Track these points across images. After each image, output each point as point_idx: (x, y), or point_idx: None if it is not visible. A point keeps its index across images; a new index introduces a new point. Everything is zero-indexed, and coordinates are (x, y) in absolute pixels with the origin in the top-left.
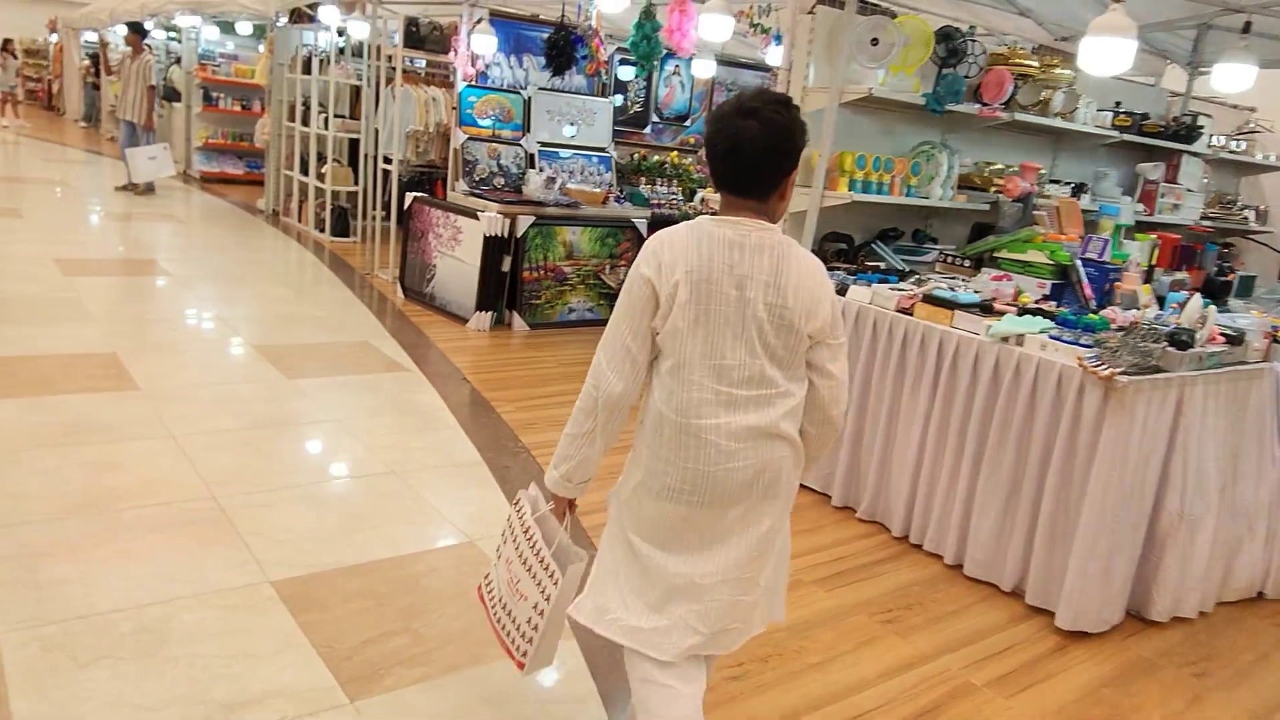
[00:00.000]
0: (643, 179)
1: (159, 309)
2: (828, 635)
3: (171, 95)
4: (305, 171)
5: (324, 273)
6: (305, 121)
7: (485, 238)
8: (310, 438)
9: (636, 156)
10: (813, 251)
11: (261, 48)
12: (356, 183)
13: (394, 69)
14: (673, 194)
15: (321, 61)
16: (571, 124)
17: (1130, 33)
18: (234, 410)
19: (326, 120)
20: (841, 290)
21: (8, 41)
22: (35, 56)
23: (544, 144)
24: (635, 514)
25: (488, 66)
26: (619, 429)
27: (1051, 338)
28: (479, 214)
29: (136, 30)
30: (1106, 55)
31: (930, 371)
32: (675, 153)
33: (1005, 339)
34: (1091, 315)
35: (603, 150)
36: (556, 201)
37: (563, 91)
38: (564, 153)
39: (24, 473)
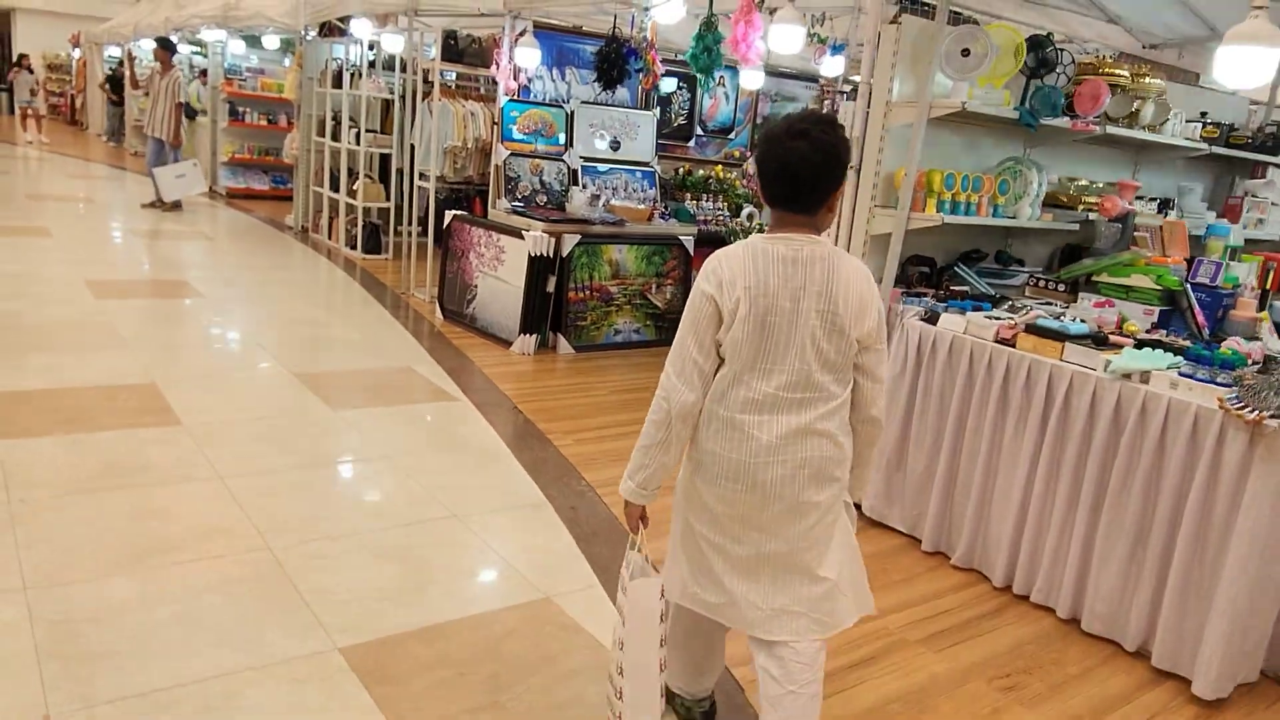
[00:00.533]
0: (688, 194)
1: (194, 333)
2: (947, 707)
3: (188, 113)
4: (335, 187)
5: (359, 292)
6: (335, 136)
7: (530, 257)
8: (363, 477)
9: (681, 171)
10: (896, 276)
11: (288, 61)
12: (388, 199)
13: (430, 83)
14: (719, 209)
15: (352, 75)
16: (614, 138)
17: (1275, 41)
18: (281, 447)
19: (358, 135)
20: (932, 319)
21: (23, 56)
22: (58, 71)
23: (586, 159)
24: (691, 501)
25: (530, 80)
26: (689, 435)
27: (1181, 374)
28: (524, 233)
29: (165, 46)
30: (1246, 66)
31: (1037, 409)
32: (720, 167)
33: (1127, 375)
34: (1224, 350)
35: (646, 165)
36: (602, 219)
37: (606, 105)
38: (606, 168)
39: (65, 522)
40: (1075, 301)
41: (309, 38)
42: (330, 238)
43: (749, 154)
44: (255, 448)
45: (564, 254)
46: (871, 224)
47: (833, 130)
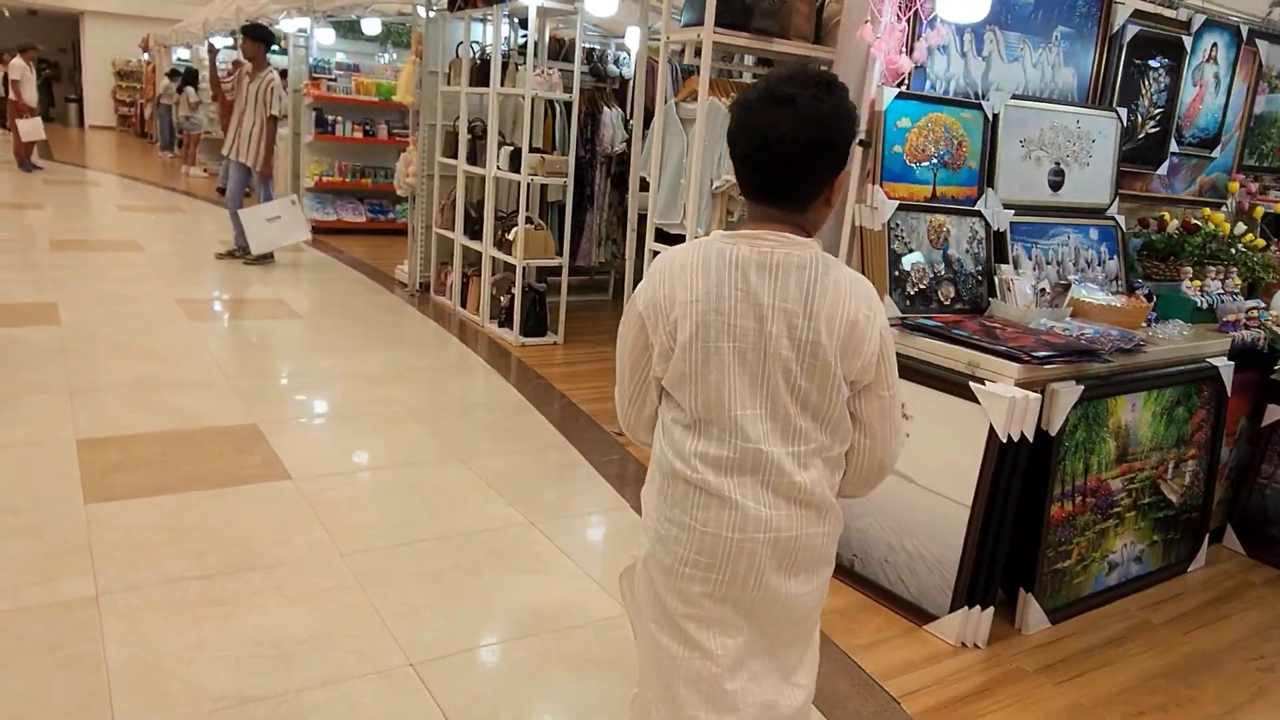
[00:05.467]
0: (1182, 265)
1: (255, 637)
2: None
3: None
4: (473, 233)
5: (544, 432)
6: (473, 158)
7: (995, 441)
8: None
9: (1175, 227)
10: None
11: (387, 58)
12: (559, 252)
13: (693, 69)
14: (1230, 293)
15: (505, 65)
16: (1057, 163)
17: None
18: None
19: (514, 156)
20: None
21: (192, 72)
22: (128, 79)
23: (1019, 209)
24: (648, 595)
25: (927, 54)
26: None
27: None
28: (978, 385)
29: (257, 37)
30: None
31: None
32: (1209, 209)
33: None
34: None
35: (1101, 213)
36: (1115, 346)
37: (1044, 101)
38: (1043, 223)
39: None
40: None
41: (431, 14)
42: (465, 305)
43: (1247, 183)
44: None
45: (1054, 427)
46: None
47: (829, 95)
